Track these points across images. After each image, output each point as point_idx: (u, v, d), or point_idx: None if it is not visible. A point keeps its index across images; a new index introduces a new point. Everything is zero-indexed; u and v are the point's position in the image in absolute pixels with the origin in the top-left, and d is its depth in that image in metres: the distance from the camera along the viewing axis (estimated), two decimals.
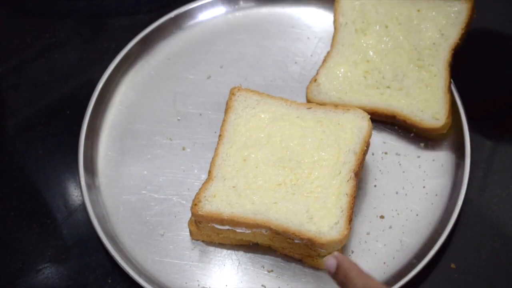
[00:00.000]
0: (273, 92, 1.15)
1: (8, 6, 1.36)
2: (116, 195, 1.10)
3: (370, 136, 1.04)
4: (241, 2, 1.29)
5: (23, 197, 1.12)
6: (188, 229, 1.04)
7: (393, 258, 1.02)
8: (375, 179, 1.09)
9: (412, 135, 1.13)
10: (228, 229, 1.00)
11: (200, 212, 0.99)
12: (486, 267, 1.03)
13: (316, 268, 1.01)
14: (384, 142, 1.13)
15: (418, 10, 1.18)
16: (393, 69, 1.15)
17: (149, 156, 1.13)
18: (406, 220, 1.05)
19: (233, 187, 1.01)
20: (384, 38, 1.17)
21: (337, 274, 0.81)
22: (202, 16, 1.29)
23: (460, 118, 1.12)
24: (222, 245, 1.04)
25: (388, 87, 1.14)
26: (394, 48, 1.16)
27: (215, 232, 1.01)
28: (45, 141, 1.18)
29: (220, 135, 1.06)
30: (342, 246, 0.99)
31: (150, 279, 1.00)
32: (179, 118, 1.18)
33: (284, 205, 0.98)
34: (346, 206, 0.98)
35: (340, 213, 0.97)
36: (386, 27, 1.18)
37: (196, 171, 1.11)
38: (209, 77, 1.22)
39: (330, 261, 0.81)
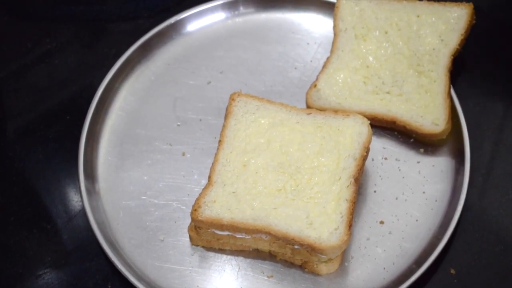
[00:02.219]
0: (273, 97, 1.15)
1: (8, 11, 1.37)
2: (116, 200, 1.10)
3: (369, 141, 1.04)
4: (241, 8, 1.30)
5: (23, 202, 1.12)
6: (188, 235, 1.04)
7: (393, 263, 1.02)
8: (375, 184, 1.09)
9: (412, 140, 1.13)
10: (228, 235, 1.00)
11: (200, 218, 0.99)
12: (486, 272, 1.03)
13: (316, 273, 1.01)
14: (384, 148, 1.13)
15: (418, 16, 1.18)
16: (392, 74, 1.15)
17: (149, 161, 1.13)
18: (406, 225, 1.05)
19: (233, 192, 1.01)
20: (384, 44, 1.17)
21: None
22: (202, 22, 1.29)
23: (459, 123, 1.12)
24: (222, 250, 1.04)
25: (388, 92, 1.14)
26: (394, 54, 1.16)
27: (215, 237, 1.01)
28: (45, 146, 1.18)
29: (220, 141, 1.06)
30: (342, 252, 0.99)
31: (150, 285, 1.00)
32: (179, 123, 1.18)
33: (284, 210, 0.98)
34: (346, 212, 0.98)
35: (340, 219, 0.97)
36: (386, 32, 1.18)
37: (196, 176, 1.11)
38: (209, 83, 1.22)
39: None
